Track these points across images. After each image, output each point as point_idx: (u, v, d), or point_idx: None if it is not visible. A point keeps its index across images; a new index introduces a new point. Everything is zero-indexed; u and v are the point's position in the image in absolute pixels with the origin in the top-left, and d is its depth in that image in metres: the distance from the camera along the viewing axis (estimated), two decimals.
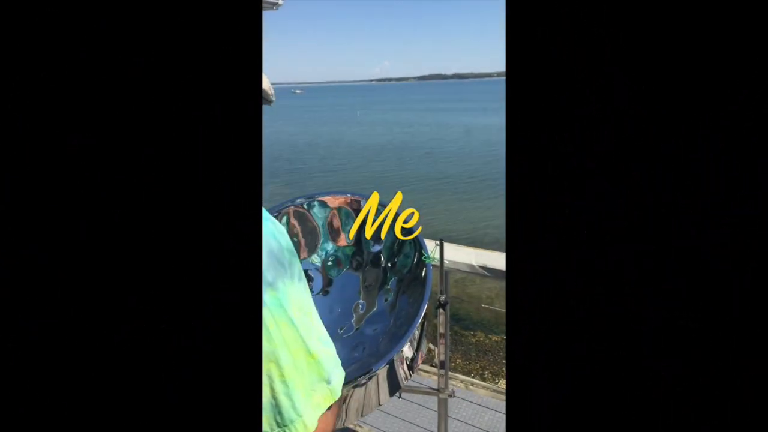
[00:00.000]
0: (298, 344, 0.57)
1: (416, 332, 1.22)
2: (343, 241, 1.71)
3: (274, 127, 29.51)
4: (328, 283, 1.70)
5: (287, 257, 0.60)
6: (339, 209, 1.70)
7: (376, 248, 1.64)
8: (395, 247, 1.61)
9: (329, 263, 1.72)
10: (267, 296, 0.54)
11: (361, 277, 1.67)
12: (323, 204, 1.70)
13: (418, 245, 1.47)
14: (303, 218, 1.70)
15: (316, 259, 1.72)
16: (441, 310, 1.57)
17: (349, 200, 1.69)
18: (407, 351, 1.22)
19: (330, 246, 1.72)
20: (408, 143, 18.54)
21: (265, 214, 0.57)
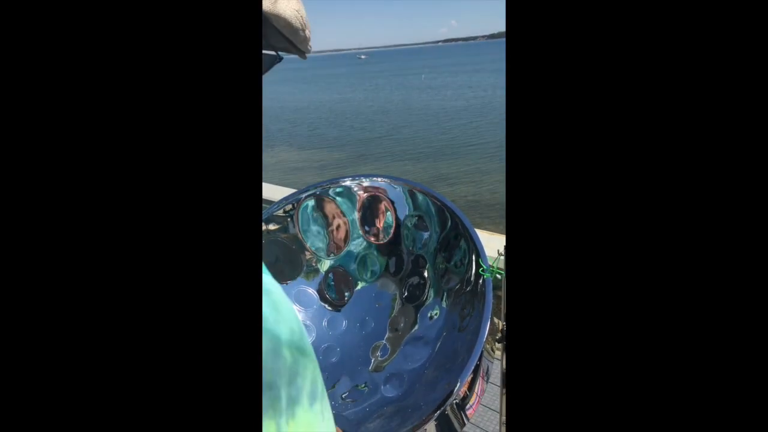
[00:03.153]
0: None
1: (472, 367, 0.93)
2: (377, 237, 1.37)
3: (342, 94, 29.69)
4: (355, 289, 1.36)
5: (288, 365, 0.34)
6: (373, 197, 1.35)
7: (419, 249, 1.31)
8: (442, 248, 1.26)
9: (360, 265, 1.39)
10: None
11: (399, 284, 1.33)
12: (349, 191, 1.34)
13: (474, 249, 1.11)
14: (329, 208, 1.37)
15: (342, 259, 1.38)
16: (503, 359, 0.99)
17: (380, 186, 1.33)
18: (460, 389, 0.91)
19: (362, 243, 1.38)
20: (485, 107, 17.89)
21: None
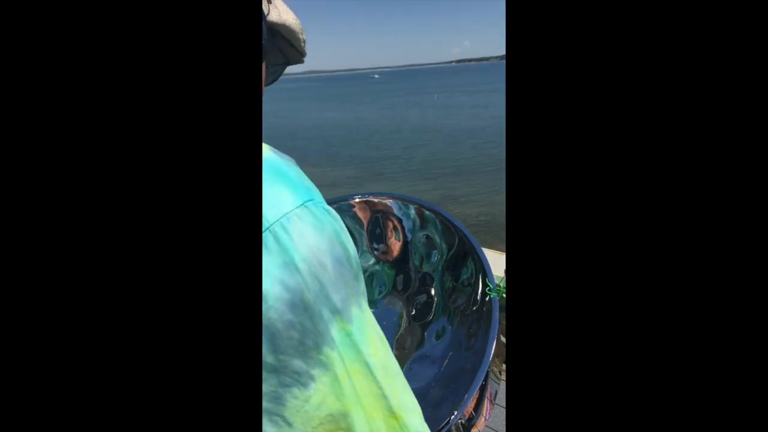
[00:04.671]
0: (376, 401, 0.39)
1: (477, 386, 0.92)
2: (385, 255, 1.36)
3: (357, 113, 30.02)
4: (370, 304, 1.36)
5: (355, 268, 0.42)
6: (381, 214, 1.33)
7: (426, 267, 1.31)
8: (450, 267, 1.25)
9: (367, 282, 1.34)
10: (335, 331, 0.37)
11: (406, 302, 1.31)
12: (358, 208, 1.34)
13: (481, 269, 1.12)
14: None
15: None
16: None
17: (388, 204, 1.31)
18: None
19: (369, 260, 1.36)
20: (501, 127, 17.87)
21: (322, 207, 0.41)
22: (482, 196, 9.22)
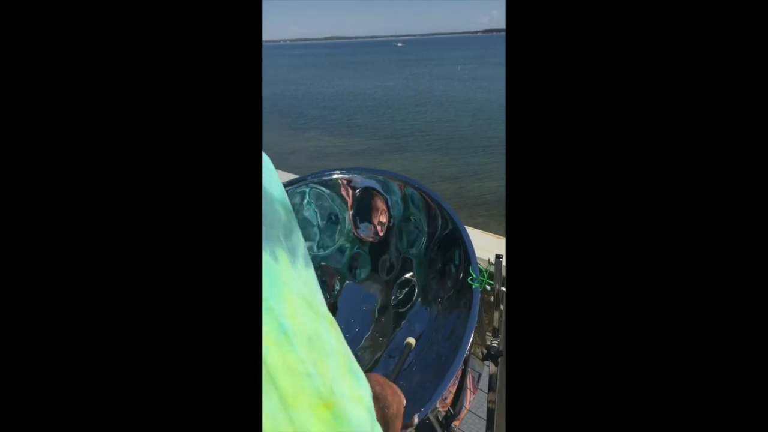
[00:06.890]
0: (297, 381, 0.30)
1: (455, 379, 0.86)
2: (368, 236, 1.28)
3: (378, 81, 29.59)
4: (342, 289, 1.27)
5: (283, 221, 0.35)
6: (366, 194, 1.25)
7: (409, 251, 1.24)
8: (433, 252, 1.18)
9: (348, 263, 1.28)
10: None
11: (387, 287, 1.24)
12: (343, 185, 1.25)
13: (464, 255, 1.05)
14: (320, 202, 1.27)
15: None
16: (491, 365, 0.96)
17: (372, 182, 1.23)
18: (442, 404, 0.85)
19: (352, 241, 1.29)
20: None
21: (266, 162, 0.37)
22: (502, 171, 9.05)
